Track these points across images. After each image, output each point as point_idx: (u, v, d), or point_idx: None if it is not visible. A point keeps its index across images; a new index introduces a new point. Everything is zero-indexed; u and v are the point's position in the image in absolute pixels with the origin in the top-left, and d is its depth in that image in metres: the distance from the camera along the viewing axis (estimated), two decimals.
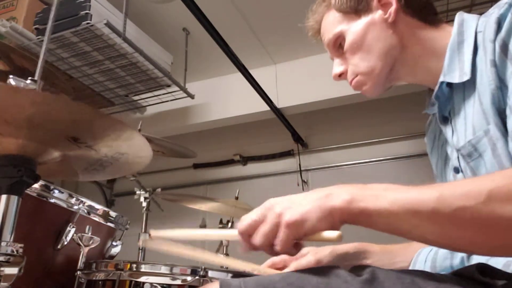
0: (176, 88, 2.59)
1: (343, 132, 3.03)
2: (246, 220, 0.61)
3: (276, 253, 0.60)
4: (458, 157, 0.72)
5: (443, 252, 0.71)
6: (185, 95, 2.63)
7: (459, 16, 0.75)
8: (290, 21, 2.49)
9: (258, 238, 0.59)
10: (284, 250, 0.58)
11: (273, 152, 3.19)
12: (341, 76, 0.86)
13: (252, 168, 3.25)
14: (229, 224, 1.91)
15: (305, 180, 3.01)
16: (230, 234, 0.69)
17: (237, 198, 1.87)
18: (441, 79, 0.73)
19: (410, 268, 0.77)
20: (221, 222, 1.92)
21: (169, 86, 2.59)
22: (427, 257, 0.74)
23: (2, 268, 0.78)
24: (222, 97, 2.96)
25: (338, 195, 0.58)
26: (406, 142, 2.81)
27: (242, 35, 2.58)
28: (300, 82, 2.80)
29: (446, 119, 0.76)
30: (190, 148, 2.03)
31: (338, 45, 0.84)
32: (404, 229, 0.56)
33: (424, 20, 0.79)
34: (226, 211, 1.85)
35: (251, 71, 2.45)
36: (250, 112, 2.87)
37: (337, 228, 0.58)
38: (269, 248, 0.59)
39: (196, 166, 3.39)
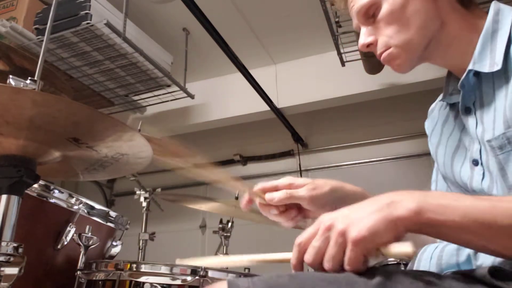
0: (176, 88, 2.59)
1: (343, 132, 3.03)
2: (310, 249, 0.57)
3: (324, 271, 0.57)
4: (480, 150, 0.70)
5: (449, 249, 0.70)
6: (185, 95, 2.63)
7: (495, 5, 0.73)
8: (290, 21, 2.49)
9: (326, 263, 0.56)
10: (355, 269, 0.54)
11: (273, 152, 3.19)
12: (369, 46, 0.80)
13: (252, 168, 3.25)
14: (229, 224, 1.91)
15: None
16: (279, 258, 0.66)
17: (237, 198, 1.86)
18: (470, 66, 0.70)
19: (415, 265, 0.76)
20: (221, 222, 1.92)
21: (169, 86, 2.59)
22: (432, 254, 0.73)
23: (2, 268, 0.79)
24: (222, 97, 2.96)
25: (402, 203, 0.55)
26: (406, 142, 2.81)
27: (242, 35, 2.58)
28: (300, 82, 2.80)
29: (468, 110, 0.73)
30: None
31: (370, 14, 0.77)
32: (477, 243, 0.55)
33: (461, 1, 0.76)
34: (226, 211, 1.84)
35: (251, 71, 2.45)
36: (250, 112, 2.87)
37: (401, 238, 0.55)
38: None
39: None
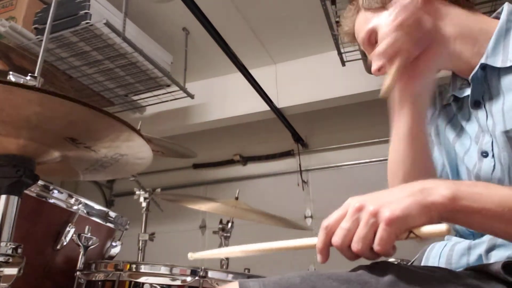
0: (176, 88, 2.58)
1: (343, 132, 3.03)
2: (339, 231, 0.56)
3: (356, 256, 0.55)
4: (492, 142, 0.71)
5: (459, 248, 0.70)
6: (185, 95, 2.63)
7: (508, 5, 0.75)
8: (290, 21, 2.49)
9: (355, 244, 0.54)
10: (385, 250, 0.53)
11: (273, 152, 3.19)
12: (381, 70, 0.82)
13: (252, 168, 3.25)
14: (229, 224, 1.90)
15: (305, 180, 3.01)
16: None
17: (237, 198, 1.86)
18: (482, 60, 0.72)
19: (423, 263, 0.76)
20: (221, 222, 1.92)
21: (169, 86, 2.59)
22: (441, 253, 0.73)
23: (1, 269, 0.78)
24: (222, 97, 2.96)
25: (436, 190, 0.55)
26: None
27: (242, 35, 2.57)
28: (300, 82, 2.79)
29: (478, 103, 0.75)
30: (190, 148, 2.03)
31: (372, 41, 0.82)
32: (509, 232, 0.55)
33: (455, 2, 0.78)
34: (226, 211, 1.84)
35: (251, 71, 2.45)
36: (250, 112, 2.86)
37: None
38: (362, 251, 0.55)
39: (196, 166, 3.39)
